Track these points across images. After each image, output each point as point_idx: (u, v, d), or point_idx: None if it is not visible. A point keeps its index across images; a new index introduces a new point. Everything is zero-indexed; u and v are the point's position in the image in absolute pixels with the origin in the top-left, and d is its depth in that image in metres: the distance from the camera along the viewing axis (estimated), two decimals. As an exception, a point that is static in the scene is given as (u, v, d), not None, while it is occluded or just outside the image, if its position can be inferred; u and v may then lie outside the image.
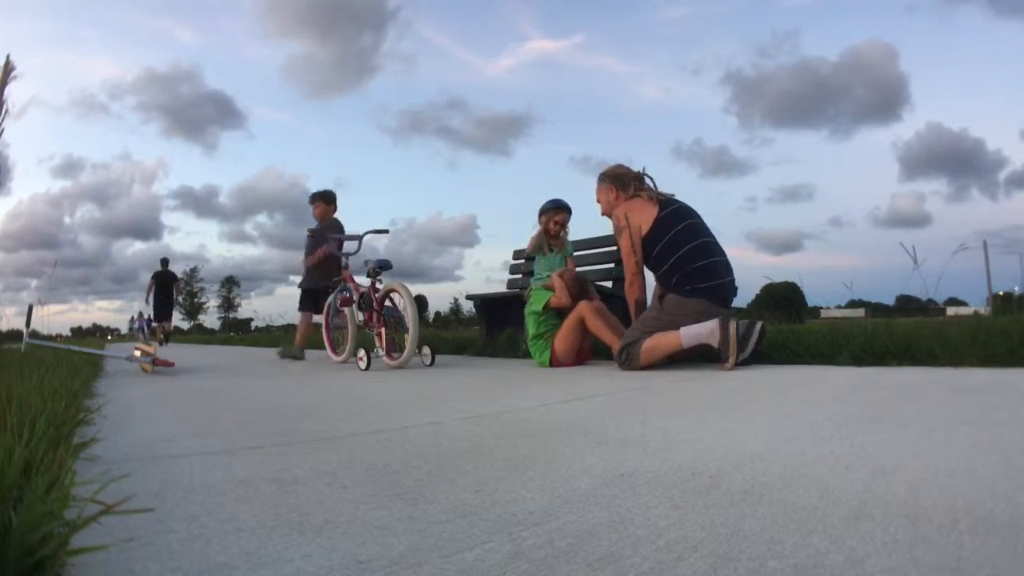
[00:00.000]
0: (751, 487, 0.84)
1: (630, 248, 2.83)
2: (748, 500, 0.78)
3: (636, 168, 3.03)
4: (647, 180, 2.98)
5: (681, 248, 2.74)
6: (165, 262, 11.47)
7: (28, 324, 3.77)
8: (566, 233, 4.05)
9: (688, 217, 2.83)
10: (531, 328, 3.41)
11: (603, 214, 3.05)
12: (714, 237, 2.86)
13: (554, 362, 3.23)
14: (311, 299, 4.94)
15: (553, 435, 1.28)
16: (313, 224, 5.06)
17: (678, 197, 2.95)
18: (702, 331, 2.56)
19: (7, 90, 1.05)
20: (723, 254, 2.83)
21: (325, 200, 5.04)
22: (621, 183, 2.97)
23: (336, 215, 5.10)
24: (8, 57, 1.07)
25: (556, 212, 3.96)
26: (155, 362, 3.72)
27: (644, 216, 2.82)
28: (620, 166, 3.04)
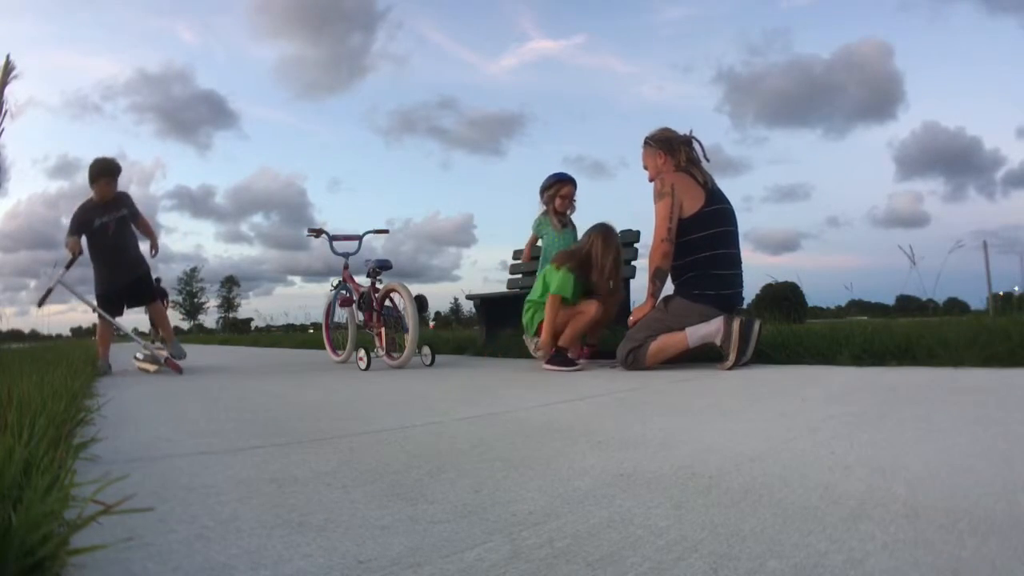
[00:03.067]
0: (751, 487, 0.84)
1: (668, 214, 2.66)
2: (748, 500, 0.78)
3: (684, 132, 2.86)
4: (696, 145, 2.84)
5: (709, 250, 2.68)
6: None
7: (42, 303, 3.82)
8: (572, 210, 3.73)
9: (727, 223, 2.76)
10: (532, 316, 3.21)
11: (651, 180, 2.88)
12: (739, 247, 2.81)
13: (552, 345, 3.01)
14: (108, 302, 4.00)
15: (553, 435, 1.28)
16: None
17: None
18: (708, 330, 2.58)
19: (7, 90, 1.05)
20: (741, 266, 2.80)
21: (109, 172, 3.89)
22: (670, 147, 2.81)
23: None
24: (8, 57, 1.07)
25: (562, 185, 3.62)
26: (165, 361, 3.72)
27: (691, 200, 2.69)
28: (667, 130, 2.88)
